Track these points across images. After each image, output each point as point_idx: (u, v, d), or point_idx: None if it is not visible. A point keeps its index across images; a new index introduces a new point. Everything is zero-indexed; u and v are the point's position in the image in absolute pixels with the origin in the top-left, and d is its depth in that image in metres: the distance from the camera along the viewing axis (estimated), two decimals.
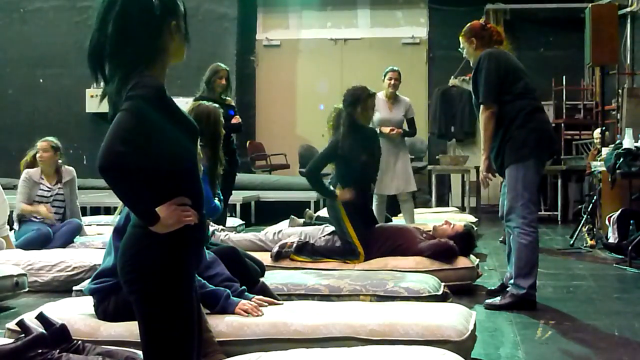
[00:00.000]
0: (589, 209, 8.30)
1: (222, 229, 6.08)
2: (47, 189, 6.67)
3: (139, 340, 2.31)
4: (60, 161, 6.75)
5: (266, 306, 3.71)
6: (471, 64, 5.41)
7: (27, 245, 6.28)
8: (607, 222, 7.62)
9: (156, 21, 2.27)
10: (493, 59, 5.12)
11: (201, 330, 2.47)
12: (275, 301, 3.88)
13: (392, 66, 7.75)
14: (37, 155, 6.70)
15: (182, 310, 2.26)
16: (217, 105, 4.81)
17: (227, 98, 7.26)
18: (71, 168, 6.87)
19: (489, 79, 5.07)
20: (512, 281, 5.06)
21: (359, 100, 6.01)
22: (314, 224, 6.29)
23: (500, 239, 8.14)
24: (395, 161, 7.45)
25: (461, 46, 5.38)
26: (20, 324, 3.12)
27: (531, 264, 4.98)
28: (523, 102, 5.09)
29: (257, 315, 3.58)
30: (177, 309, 2.25)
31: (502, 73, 5.09)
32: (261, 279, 4.23)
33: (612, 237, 7.43)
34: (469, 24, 5.42)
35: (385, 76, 7.65)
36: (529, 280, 4.96)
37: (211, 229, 5.56)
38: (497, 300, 5.05)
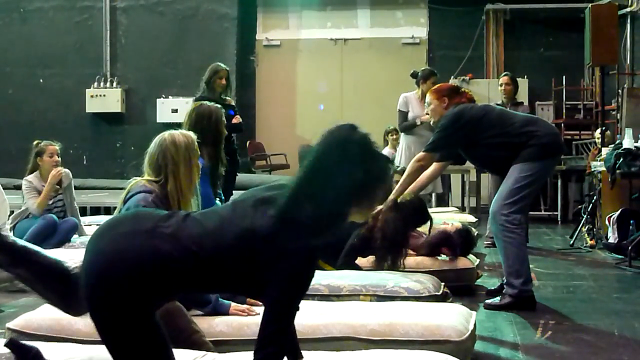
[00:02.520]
0: (589, 209, 8.31)
1: None
2: (49, 195, 6.61)
3: None
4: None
5: (260, 305, 3.71)
6: (432, 123, 5.40)
7: (36, 237, 6.24)
8: (607, 222, 7.63)
9: (348, 192, 2.18)
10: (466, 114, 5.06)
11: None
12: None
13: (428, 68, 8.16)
14: (47, 158, 6.55)
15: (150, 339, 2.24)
16: (218, 105, 4.82)
17: (227, 98, 7.26)
18: (67, 170, 6.79)
19: (446, 133, 5.03)
20: (505, 281, 5.06)
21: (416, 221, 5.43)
22: None
23: (487, 243, 8.09)
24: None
25: (427, 101, 5.30)
26: (11, 344, 2.84)
27: (519, 261, 4.93)
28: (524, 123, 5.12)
29: (254, 315, 3.59)
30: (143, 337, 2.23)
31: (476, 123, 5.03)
32: None
33: (612, 237, 7.43)
34: (440, 85, 5.44)
35: (427, 79, 7.80)
36: (520, 278, 4.93)
37: None
38: (496, 300, 5.05)
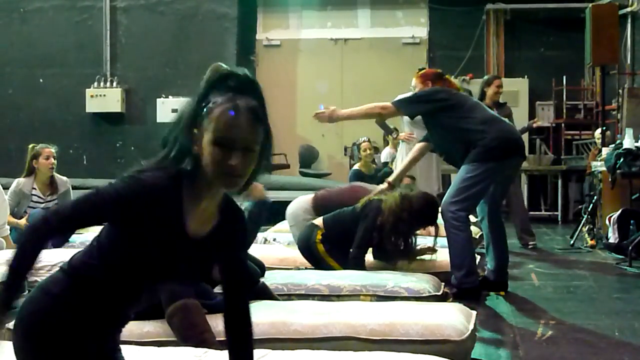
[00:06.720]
0: (589, 209, 8.31)
1: None
2: (40, 200, 6.54)
3: (136, 340, 2.26)
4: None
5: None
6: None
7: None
8: (607, 222, 7.63)
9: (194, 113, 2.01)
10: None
11: None
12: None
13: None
14: (43, 160, 6.47)
15: None
16: None
17: None
18: (65, 179, 6.68)
19: (418, 97, 5.42)
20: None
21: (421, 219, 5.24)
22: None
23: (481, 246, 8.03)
24: (430, 163, 7.55)
25: (412, 84, 5.75)
26: None
27: (462, 255, 5.13)
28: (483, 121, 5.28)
29: None
30: None
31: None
32: (261, 279, 4.24)
33: (613, 237, 7.43)
34: (427, 70, 5.83)
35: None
36: (461, 270, 5.11)
37: None
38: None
